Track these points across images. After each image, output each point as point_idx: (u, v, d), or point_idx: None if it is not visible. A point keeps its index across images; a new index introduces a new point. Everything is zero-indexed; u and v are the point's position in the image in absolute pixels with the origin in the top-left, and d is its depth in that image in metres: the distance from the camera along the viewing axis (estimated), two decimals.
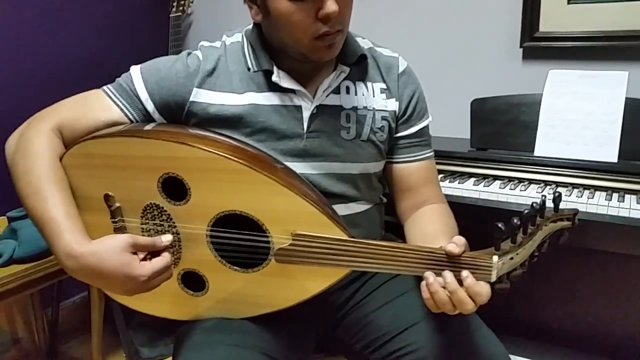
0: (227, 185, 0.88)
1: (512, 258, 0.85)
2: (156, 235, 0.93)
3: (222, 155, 0.87)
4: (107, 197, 0.93)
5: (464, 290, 0.81)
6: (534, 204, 0.86)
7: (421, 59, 1.84)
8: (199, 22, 2.38)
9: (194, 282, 0.97)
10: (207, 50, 1.04)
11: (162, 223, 0.93)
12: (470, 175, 1.51)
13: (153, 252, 0.87)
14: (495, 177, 1.48)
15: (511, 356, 1.00)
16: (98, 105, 1.00)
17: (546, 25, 1.65)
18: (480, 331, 0.99)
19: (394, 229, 1.18)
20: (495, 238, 0.84)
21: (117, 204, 0.94)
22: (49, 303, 1.92)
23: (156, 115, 1.02)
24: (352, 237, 0.89)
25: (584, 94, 1.45)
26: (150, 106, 1.01)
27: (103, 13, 2.12)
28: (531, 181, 1.44)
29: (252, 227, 0.90)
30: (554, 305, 1.72)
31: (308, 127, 1.02)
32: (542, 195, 0.90)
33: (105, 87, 1.03)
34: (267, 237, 0.90)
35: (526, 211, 0.85)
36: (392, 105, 1.08)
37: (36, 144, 0.92)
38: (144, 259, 0.86)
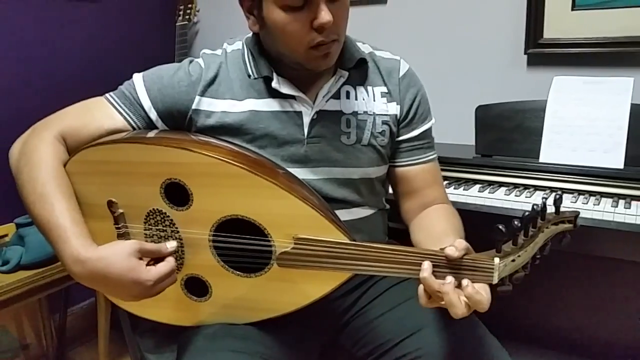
0: (229, 190, 0.89)
1: (513, 260, 0.84)
2: (159, 241, 0.95)
3: (223, 160, 0.88)
4: (110, 204, 0.94)
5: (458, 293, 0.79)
6: (535, 206, 0.86)
7: (426, 65, 1.84)
8: (205, 31, 2.40)
9: (197, 287, 0.97)
10: (208, 57, 1.05)
11: (165, 228, 0.94)
12: (475, 182, 1.50)
13: (157, 258, 0.88)
14: (501, 184, 1.47)
15: None
16: (101, 113, 1.01)
17: (550, 31, 1.65)
18: (485, 338, 0.98)
19: (398, 236, 1.18)
20: (496, 240, 0.84)
21: (121, 210, 0.94)
22: (57, 309, 1.93)
23: (159, 123, 1.03)
24: (354, 241, 0.89)
25: (589, 100, 1.45)
26: (153, 114, 1.02)
27: (110, 21, 2.15)
28: (537, 188, 1.43)
29: (254, 232, 0.90)
30: (560, 312, 1.71)
31: (308, 132, 1.03)
32: (543, 198, 0.89)
33: (108, 95, 1.04)
34: (269, 241, 0.90)
35: (526, 213, 0.84)
36: (393, 109, 1.08)
37: (40, 151, 0.93)
38: (148, 264, 0.87)
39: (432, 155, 1.14)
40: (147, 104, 1.01)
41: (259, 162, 0.96)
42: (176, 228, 0.93)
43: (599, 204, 1.29)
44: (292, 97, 1.02)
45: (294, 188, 0.90)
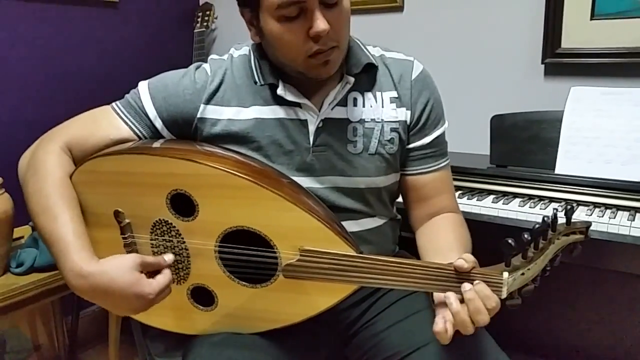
0: (234, 201, 0.89)
1: (523, 274, 0.83)
2: (165, 251, 0.95)
3: (228, 172, 0.88)
4: (117, 214, 0.95)
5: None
6: (545, 218, 0.84)
7: (442, 73, 1.83)
8: (223, 38, 2.42)
9: (203, 297, 0.97)
10: (215, 63, 1.05)
11: (171, 239, 0.94)
12: (490, 192, 1.48)
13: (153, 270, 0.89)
14: (515, 195, 1.45)
15: None
16: (107, 123, 1.01)
17: (568, 41, 1.63)
18: (493, 353, 0.97)
19: (410, 245, 1.16)
20: (505, 254, 0.83)
21: (127, 220, 0.95)
22: (70, 311, 1.96)
23: (165, 132, 1.03)
24: (360, 253, 0.88)
25: (606, 112, 1.42)
26: (158, 123, 1.02)
27: (129, 27, 2.18)
28: (552, 199, 1.41)
29: (260, 243, 0.90)
30: (572, 327, 1.68)
31: (314, 141, 1.02)
32: (554, 209, 0.88)
33: (114, 104, 1.04)
34: (274, 252, 0.90)
35: (537, 226, 0.83)
36: (403, 115, 1.06)
37: (46, 163, 0.94)
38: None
39: (443, 162, 1.11)
40: (152, 113, 1.02)
41: (264, 172, 0.95)
42: (182, 238, 0.93)
43: (615, 217, 1.27)
44: (298, 104, 1.01)
45: (299, 199, 0.90)
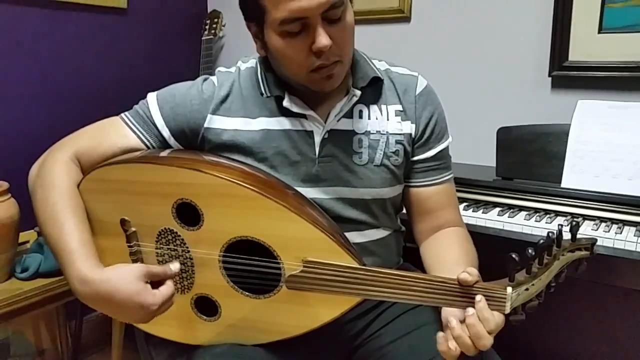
0: (239, 211, 0.89)
1: (527, 289, 0.83)
2: (170, 260, 0.95)
3: (233, 182, 0.88)
4: (123, 222, 0.95)
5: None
6: (550, 234, 0.84)
7: (449, 85, 1.84)
8: (230, 45, 2.43)
9: (207, 307, 0.97)
10: (222, 75, 1.06)
11: (176, 248, 0.94)
12: (495, 205, 1.48)
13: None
14: (521, 208, 1.44)
15: None
16: (115, 133, 1.02)
17: (576, 54, 1.63)
18: None
19: (415, 256, 1.15)
20: (509, 269, 0.82)
21: (133, 229, 0.95)
22: (73, 316, 1.96)
23: (172, 141, 1.03)
24: (364, 265, 0.88)
25: (613, 126, 1.41)
26: (166, 133, 1.03)
27: (137, 34, 2.19)
28: (557, 213, 1.40)
29: (264, 253, 0.90)
30: (580, 342, 1.66)
31: (320, 152, 1.02)
32: (559, 225, 0.88)
33: (123, 115, 1.05)
34: (278, 263, 0.90)
35: (541, 241, 0.83)
36: (408, 127, 1.07)
37: (53, 172, 0.95)
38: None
39: (447, 176, 1.11)
40: (160, 122, 1.02)
41: (269, 183, 0.96)
42: (187, 247, 0.94)
43: (621, 233, 1.26)
44: (304, 116, 1.02)
45: (303, 210, 0.90)
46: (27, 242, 1.63)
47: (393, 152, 1.06)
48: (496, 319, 0.81)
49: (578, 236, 0.89)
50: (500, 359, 0.98)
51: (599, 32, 1.59)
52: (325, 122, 1.02)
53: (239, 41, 2.38)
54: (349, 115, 1.04)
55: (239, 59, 1.10)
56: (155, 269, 0.88)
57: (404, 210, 1.17)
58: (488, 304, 0.81)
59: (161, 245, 0.95)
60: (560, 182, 1.44)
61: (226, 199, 0.89)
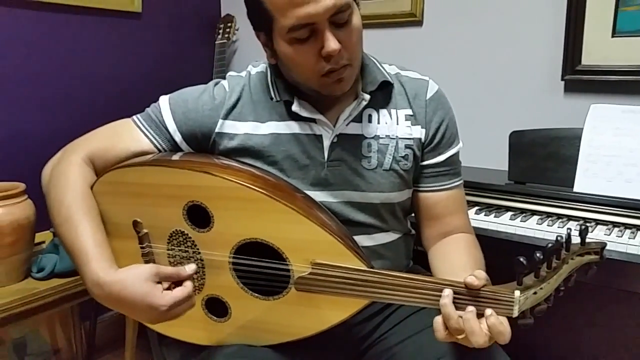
0: (249, 213, 0.90)
1: (535, 293, 0.82)
2: (182, 261, 0.96)
3: (243, 185, 0.89)
4: (135, 224, 0.97)
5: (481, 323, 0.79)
6: (558, 238, 0.83)
7: (461, 88, 1.84)
8: (243, 49, 2.45)
9: (217, 308, 0.98)
10: (233, 80, 1.07)
11: (187, 249, 0.96)
12: (507, 209, 1.47)
13: (175, 281, 0.89)
14: (533, 212, 1.43)
15: None
16: (128, 136, 1.04)
17: (589, 58, 1.62)
18: None
19: (425, 259, 1.15)
20: (517, 272, 0.82)
21: (145, 230, 0.97)
22: (88, 317, 1.99)
23: (184, 145, 1.05)
24: (372, 268, 0.88)
25: (627, 130, 1.40)
26: (177, 137, 1.04)
27: (151, 38, 2.22)
28: (570, 217, 1.39)
29: (273, 256, 0.91)
30: (595, 349, 1.65)
31: (329, 156, 1.03)
32: (568, 229, 0.87)
33: (135, 117, 1.07)
34: (287, 265, 0.91)
35: (550, 245, 0.82)
36: (418, 132, 1.07)
37: (68, 174, 0.97)
38: (168, 288, 0.87)
39: (457, 182, 1.11)
40: (172, 127, 1.04)
41: (278, 186, 0.96)
42: (197, 249, 0.95)
43: (634, 238, 1.25)
44: (313, 120, 1.03)
45: (312, 213, 0.91)
46: (43, 242, 1.65)
47: (402, 157, 1.06)
48: (508, 329, 0.79)
49: (587, 240, 0.88)
50: (508, 357, 0.98)
51: (612, 36, 1.58)
52: (334, 127, 1.03)
53: (252, 45, 2.38)
54: (358, 119, 1.04)
55: (251, 63, 1.11)
56: (167, 270, 0.89)
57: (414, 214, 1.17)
58: (496, 308, 0.80)
59: (172, 247, 0.96)
60: (572, 187, 1.43)
61: (236, 202, 0.90)
